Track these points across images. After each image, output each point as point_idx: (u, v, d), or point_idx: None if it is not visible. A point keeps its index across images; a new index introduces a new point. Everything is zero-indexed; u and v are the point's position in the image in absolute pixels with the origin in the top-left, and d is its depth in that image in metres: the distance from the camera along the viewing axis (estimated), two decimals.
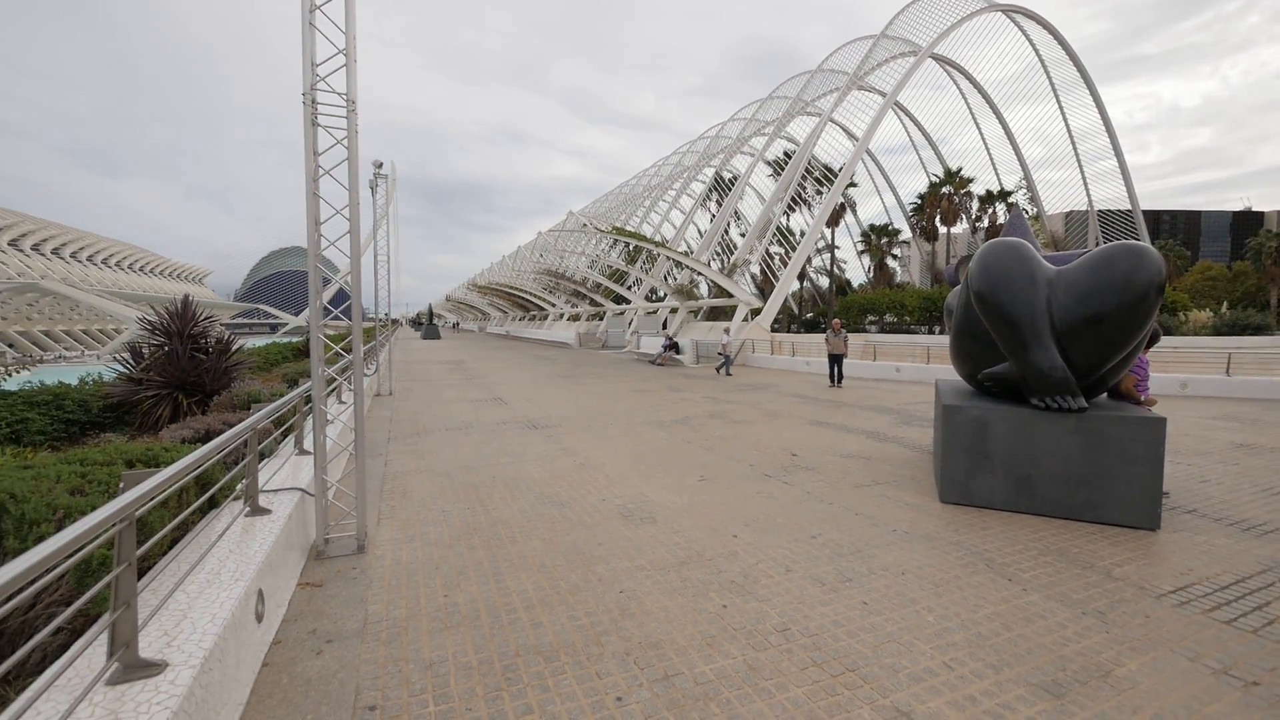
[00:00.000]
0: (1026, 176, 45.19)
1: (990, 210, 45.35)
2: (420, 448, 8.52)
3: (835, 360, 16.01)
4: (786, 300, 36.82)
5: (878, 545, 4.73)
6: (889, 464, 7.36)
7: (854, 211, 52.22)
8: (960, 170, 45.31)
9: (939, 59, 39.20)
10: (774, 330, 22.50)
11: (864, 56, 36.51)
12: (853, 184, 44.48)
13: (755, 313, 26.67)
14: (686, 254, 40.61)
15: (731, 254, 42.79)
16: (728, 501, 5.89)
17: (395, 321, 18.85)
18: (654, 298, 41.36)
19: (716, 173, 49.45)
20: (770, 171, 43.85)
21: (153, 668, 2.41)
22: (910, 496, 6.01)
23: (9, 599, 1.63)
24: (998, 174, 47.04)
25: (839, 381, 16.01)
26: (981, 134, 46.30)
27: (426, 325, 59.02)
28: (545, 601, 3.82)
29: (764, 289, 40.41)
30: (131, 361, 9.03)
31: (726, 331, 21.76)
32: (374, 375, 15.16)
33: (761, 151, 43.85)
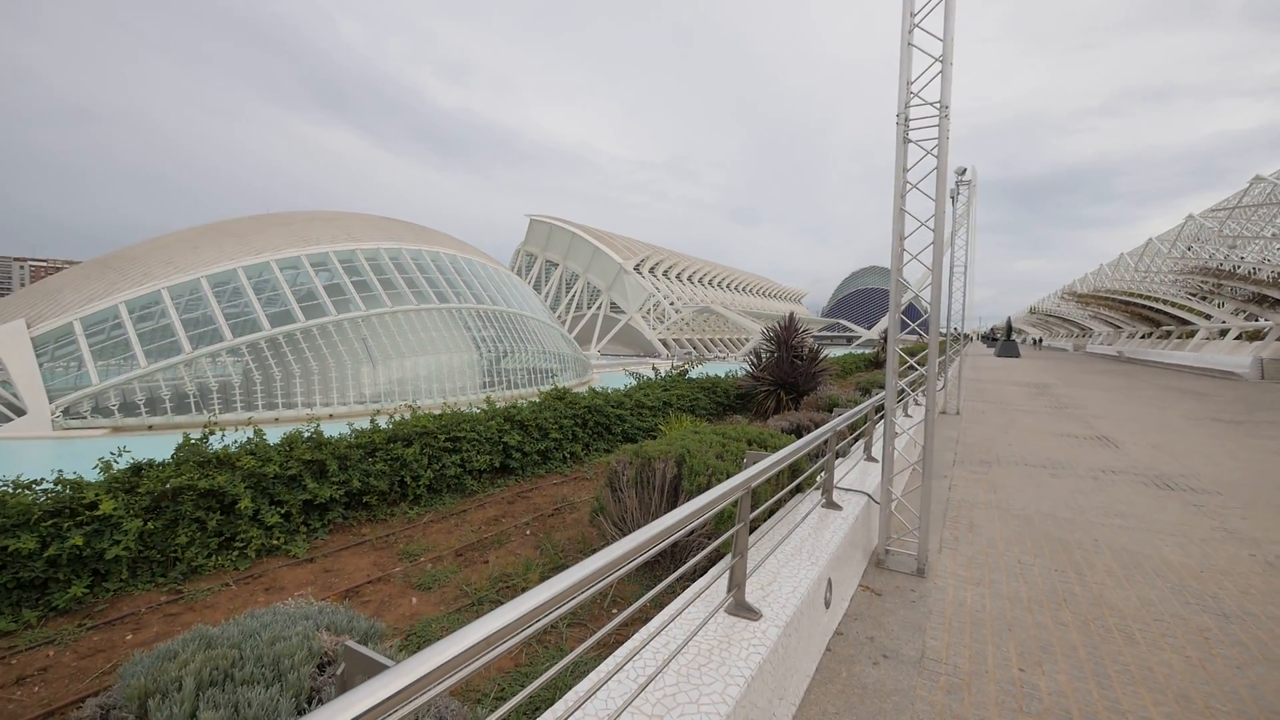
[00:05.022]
0: None
1: None
2: (991, 479, 7.53)
3: None
4: None
5: None
6: None
7: None
8: None
9: None
10: None
11: None
12: None
13: None
14: None
15: None
16: None
17: (965, 336, 17.63)
18: None
19: None
20: None
21: (752, 612, 2.96)
22: None
23: (683, 524, 2.28)
24: None
25: None
26: None
27: (1003, 341, 52.36)
28: None
29: None
30: (754, 363, 11.93)
31: None
32: (941, 391, 14.60)
33: None
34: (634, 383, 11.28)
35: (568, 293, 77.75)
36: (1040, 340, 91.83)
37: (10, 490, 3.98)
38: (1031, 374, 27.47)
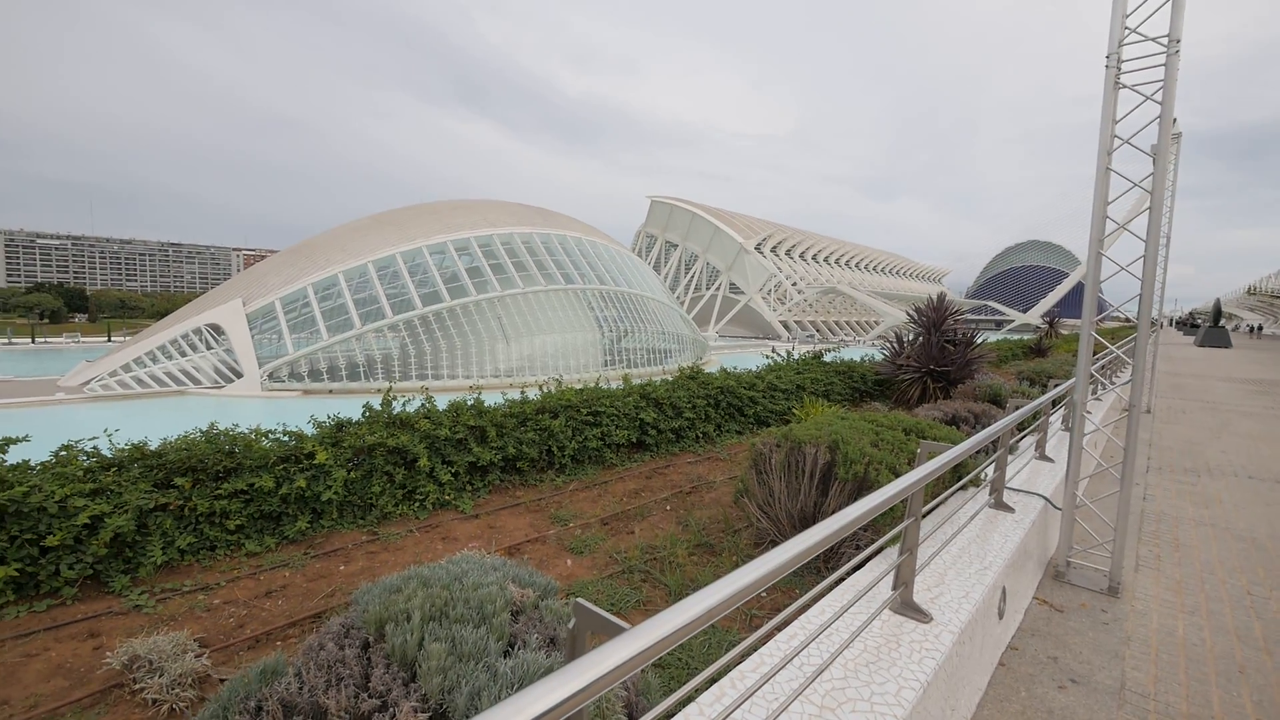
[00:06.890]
0: None
1: None
2: (1201, 491, 6.36)
3: None
4: None
5: None
6: None
7: None
8: None
9: None
10: None
11: None
12: None
13: None
14: None
15: None
16: None
17: (1159, 322, 14.96)
18: None
19: None
20: None
21: (921, 614, 2.77)
22: None
23: (867, 516, 2.14)
24: None
25: None
26: None
27: (1207, 328, 43.41)
28: None
29: None
30: (892, 348, 11.07)
31: None
32: (1127, 385, 12.55)
33: None
34: (762, 364, 11.00)
35: (687, 273, 77.65)
36: (1259, 327, 75.23)
37: (253, 438, 4.86)
38: (1247, 368, 22.68)
